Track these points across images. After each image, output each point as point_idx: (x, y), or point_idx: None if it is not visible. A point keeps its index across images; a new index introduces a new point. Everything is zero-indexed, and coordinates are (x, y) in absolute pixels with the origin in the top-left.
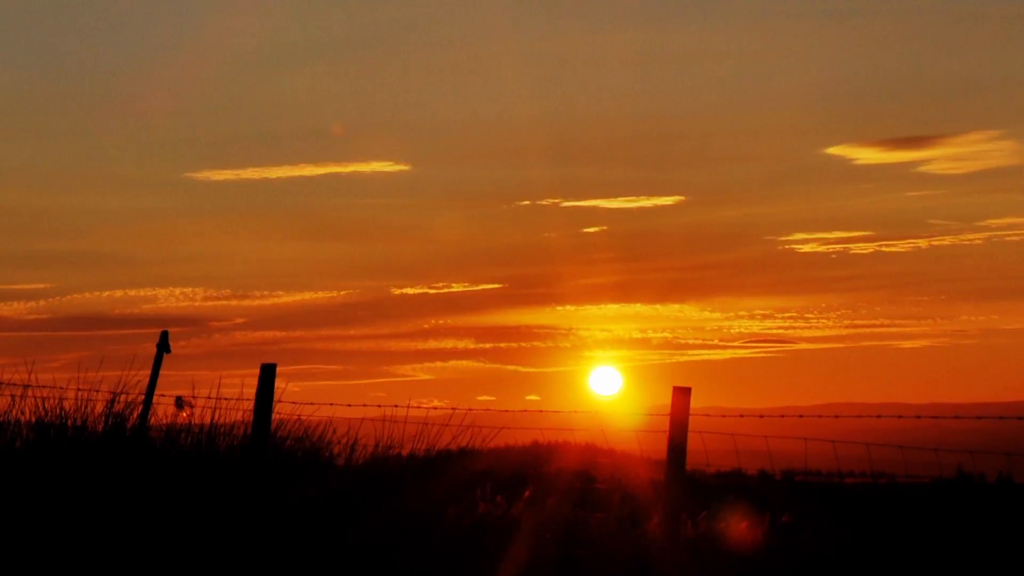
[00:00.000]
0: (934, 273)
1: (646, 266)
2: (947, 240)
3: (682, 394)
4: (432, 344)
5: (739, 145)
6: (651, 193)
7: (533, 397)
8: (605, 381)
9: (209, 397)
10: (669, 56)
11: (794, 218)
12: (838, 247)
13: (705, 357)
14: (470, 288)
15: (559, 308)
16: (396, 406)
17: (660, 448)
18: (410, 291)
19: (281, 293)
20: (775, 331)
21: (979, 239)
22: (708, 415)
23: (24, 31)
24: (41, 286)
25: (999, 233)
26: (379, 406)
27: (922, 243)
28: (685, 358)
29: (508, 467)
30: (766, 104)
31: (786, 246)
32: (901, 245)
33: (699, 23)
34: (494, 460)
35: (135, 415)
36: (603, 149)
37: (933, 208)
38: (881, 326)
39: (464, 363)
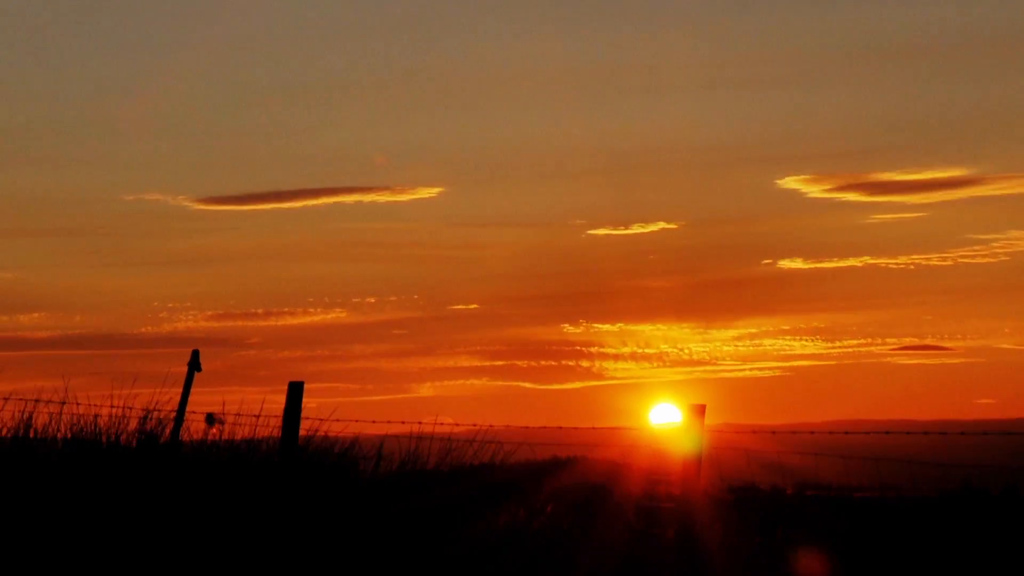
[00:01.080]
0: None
1: (659, 285)
2: (949, 260)
3: (697, 411)
4: (458, 362)
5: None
6: (654, 218)
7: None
8: (663, 413)
9: (238, 414)
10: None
11: (794, 241)
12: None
13: (718, 375)
14: (498, 308)
15: (575, 327)
16: (420, 423)
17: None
18: (442, 311)
19: (312, 312)
20: (786, 350)
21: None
22: (722, 431)
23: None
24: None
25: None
26: (403, 422)
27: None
28: (695, 376)
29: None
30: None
31: (779, 268)
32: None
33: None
34: (524, 473)
35: (167, 431)
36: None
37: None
38: (890, 345)
39: (491, 381)
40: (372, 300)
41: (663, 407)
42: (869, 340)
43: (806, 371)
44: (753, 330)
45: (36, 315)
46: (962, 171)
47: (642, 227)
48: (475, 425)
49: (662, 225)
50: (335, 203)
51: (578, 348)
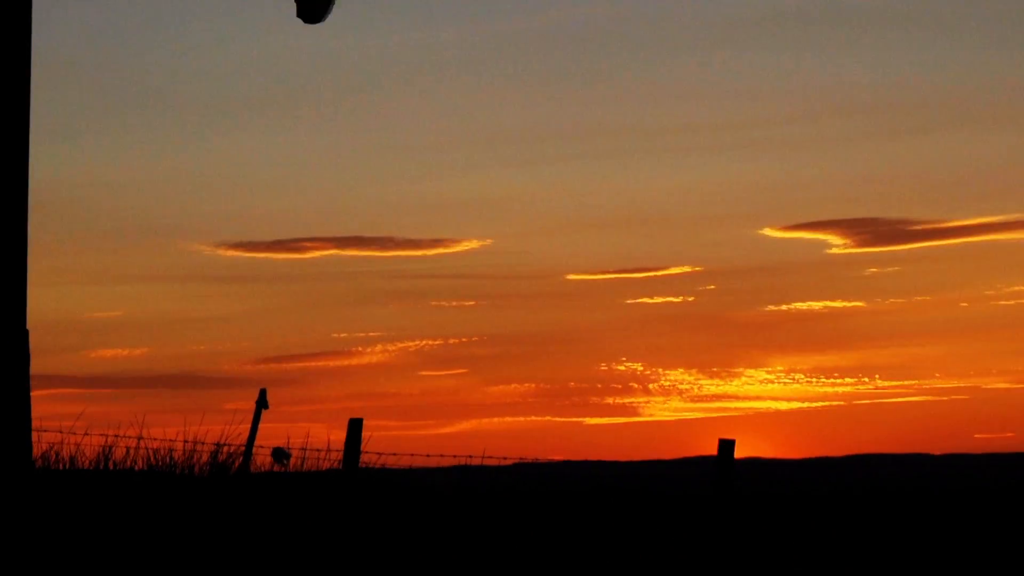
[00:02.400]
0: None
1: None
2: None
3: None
4: (503, 398)
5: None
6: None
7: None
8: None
9: (303, 448)
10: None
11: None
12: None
13: (745, 411)
14: (532, 348)
15: (609, 364)
16: (470, 456)
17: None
18: (487, 351)
19: (371, 351)
20: (807, 387)
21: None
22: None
23: None
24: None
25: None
26: (455, 456)
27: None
28: (721, 412)
29: None
30: None
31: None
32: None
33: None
34: None
35: (237, 464)
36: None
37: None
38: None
39: (533, 416)
40: (427, 341)
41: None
42: (872, 379)
43: (823, 409)
44: (780, 368)
45: (123, 352)
46: (965, 221)
47: (660, 272)
48: (521, 458)
49: (686, 269)
50: (393, 254)
51: (612, 385)
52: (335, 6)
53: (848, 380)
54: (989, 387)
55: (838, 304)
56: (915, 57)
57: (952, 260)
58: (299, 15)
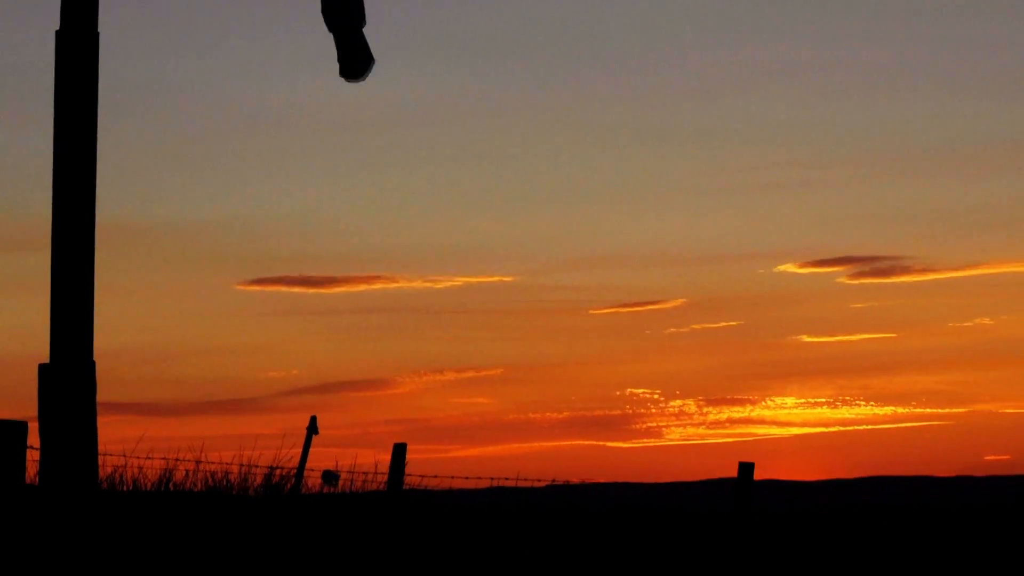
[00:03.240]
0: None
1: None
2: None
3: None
4: (537, 423)
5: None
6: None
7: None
8: None
9: (350, 471)
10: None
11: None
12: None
13: (764, 436)
14: (563, 372)
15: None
16: (506, 478)
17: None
18: (518, 375)
19: (414, 379)
20: (820, 414)
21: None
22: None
23: None
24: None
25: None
26: (491, 478)
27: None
28: (740, 437)
29: None
30: None
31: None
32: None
33: None
34: None
35: (288, 486)
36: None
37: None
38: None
39: (563, 441)
40: (467, 368)
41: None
42: (883, 404)
43: (835, 434)
44: (795, 395)
45: (184, 379)
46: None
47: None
48: (553, 480)
49: (703, 302)
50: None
51: (639, 411)
52: (376, 65)
53: (861, 405)
54: (1001, 411)
55: (853, 337)
56: (920, 108)
57: (959, 292)
58: (341, 74)
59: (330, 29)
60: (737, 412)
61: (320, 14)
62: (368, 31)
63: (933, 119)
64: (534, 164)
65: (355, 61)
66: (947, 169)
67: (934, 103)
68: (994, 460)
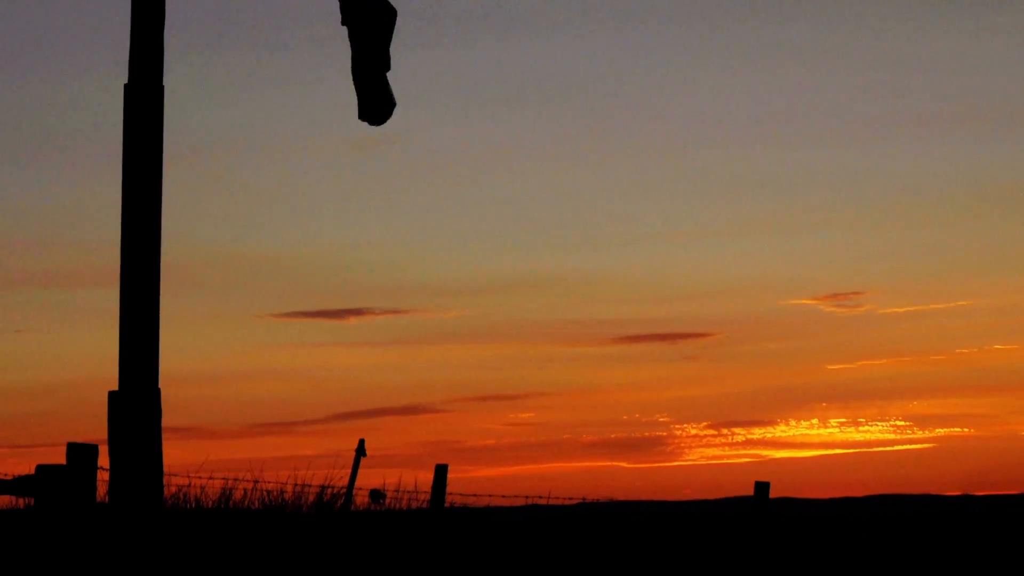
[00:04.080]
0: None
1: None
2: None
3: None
4: (566, 443)
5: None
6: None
7: None
8: None
9: (396, 490)
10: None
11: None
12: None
13: (778, 458)
14: (583, 399)
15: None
16: (540, 497)
17: None
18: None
19: (455, 404)
20: (830, 437)
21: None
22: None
23: None
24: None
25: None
26: (526, 497)
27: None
28: (755, 458)
29: None
30: None
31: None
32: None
33: None
34: None
35: (339, 504)
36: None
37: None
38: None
39: (588, 462)
40: (501, 395)
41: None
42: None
43: (845, 456)
44: (807, 418)
45: (245, 403)
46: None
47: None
48: (584, 498)
49: (718, 334)
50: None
51: (660, 434)
52: (396, 109)
53: (868, 428)
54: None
55: (861, 363)
56: (919, 158)
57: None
58: (361, 117)
59: (357, 74)
60: (755, 434)
61: (349, 60)
62: (400, 76)
63: (938, 163)
64: (566, 204)
65: (380, 105)
66: (957, 210)
67: (943, 147)
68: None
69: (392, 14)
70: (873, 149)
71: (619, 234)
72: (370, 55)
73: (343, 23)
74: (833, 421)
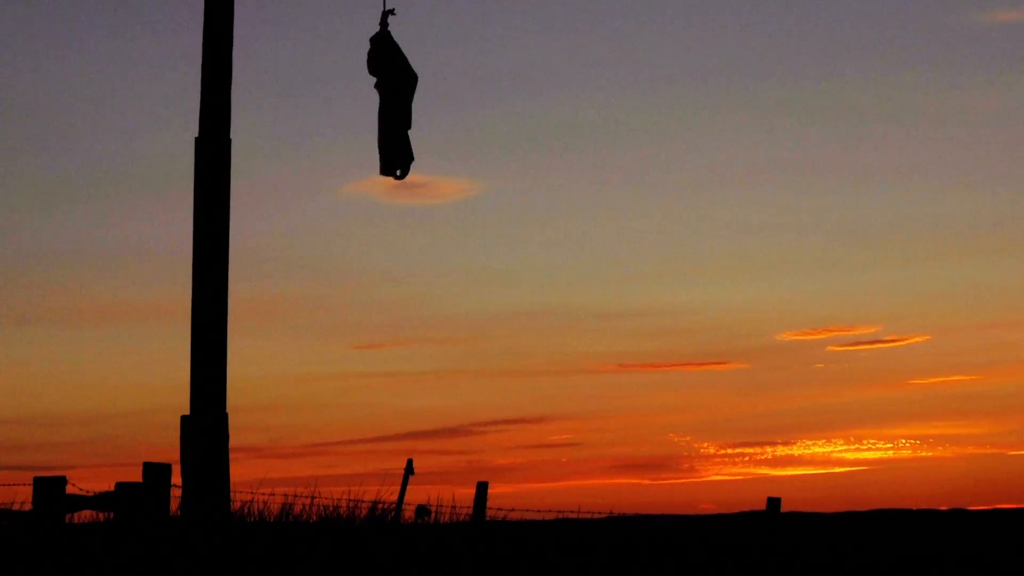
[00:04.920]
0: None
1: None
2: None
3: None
4: (596, 462)
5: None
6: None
7: None
8: None
9: (440, 506)
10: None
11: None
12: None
13: (790, 475)
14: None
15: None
16: (571, 511)
17: None
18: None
19: (492, 426)
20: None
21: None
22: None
23: None
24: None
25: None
26: (561, 512)
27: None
28: (767, 475)
29: None
30: None
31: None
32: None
33: None
34: None
35: (389, 518)
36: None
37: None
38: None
39: (614, 479)
40: (535, 419)
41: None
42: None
43: (849, 474)
44: (814, 439)
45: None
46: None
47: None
48: (611, 512)
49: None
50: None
51: (676, 454)
52: (413, 163)
53: (873, 445)
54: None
55: (859, 389)
56: (916, 201)
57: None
58: (382, 173)
59: (382, 131)
60: (766, 454)
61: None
62: (428, 134)
63: (929, 206)
64: (599, 245)
65: (401, 160)
66: (952, 249)
67: (940, 191)
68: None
69: (413, 79)
70: (874, 191)
71: (637, 271)
72: (394, 113)
73: (371, 73)
74: (837, 443)
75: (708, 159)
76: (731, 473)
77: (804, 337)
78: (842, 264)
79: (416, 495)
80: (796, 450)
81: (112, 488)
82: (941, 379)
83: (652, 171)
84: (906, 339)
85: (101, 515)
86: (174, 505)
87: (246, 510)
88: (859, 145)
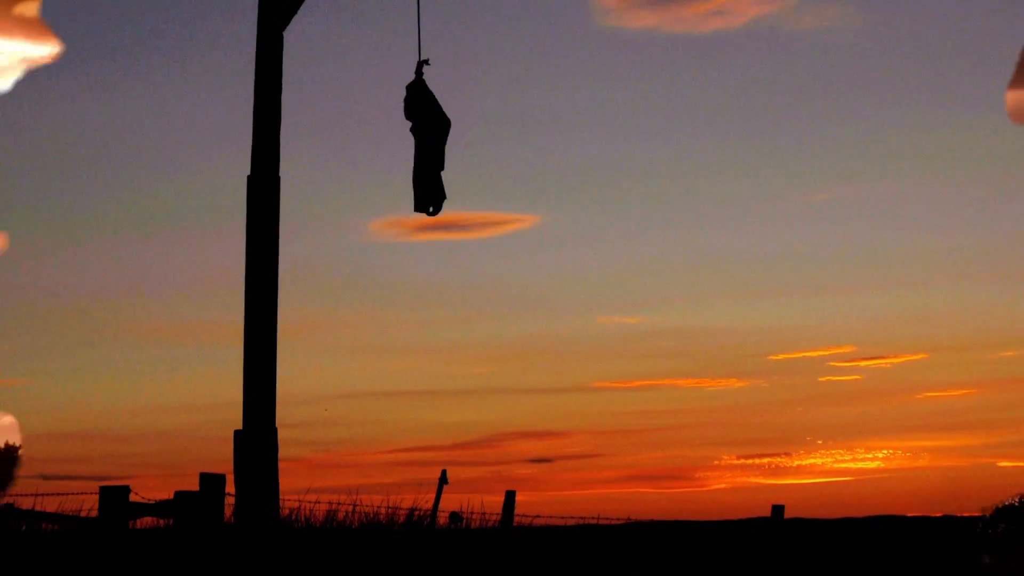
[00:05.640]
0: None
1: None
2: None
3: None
4: (610, 474)
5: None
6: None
7: None
8: None
9: (472, 512)
10: None
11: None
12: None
13: (793, 484)
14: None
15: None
16: (593, 517)
17: None
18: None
19: (517, 440)
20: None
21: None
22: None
23: None
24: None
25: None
26: (582, 518)
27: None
28: (773, 484)
29: None
30: None
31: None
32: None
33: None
34: None
35: (425, 524)
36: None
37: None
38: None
39: (633, 489)
40: (552, 435)
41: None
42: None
43: (849, 483)
44: (813, 452)
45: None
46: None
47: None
48: (628, 519)
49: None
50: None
51: (686, 465)
52: (445, 201)
53: (865, 459)
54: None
55: (855, 406)
56: (911, 231)
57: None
58: (416, 209)
59: (417, 171)
60: (771, 464)
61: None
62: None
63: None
64: (625, 270)
65: (434, 198)
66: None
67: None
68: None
69: (446, 124)
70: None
71: (665, 295)
72: (428, 155)
73: (407, 118)
74: (837, 454)
75: (732, 193)
76: (738, 483)
77: (805, 355)
78: (842, 288)
79: (449, 503)
80: (798, 461)
81: (171, 496)
82: (937, 394)
83: (668, 204)
84: (904, 357)
85: (161, 521)
86: (228, 512)
87: (294, 516)
88: (865, 181)
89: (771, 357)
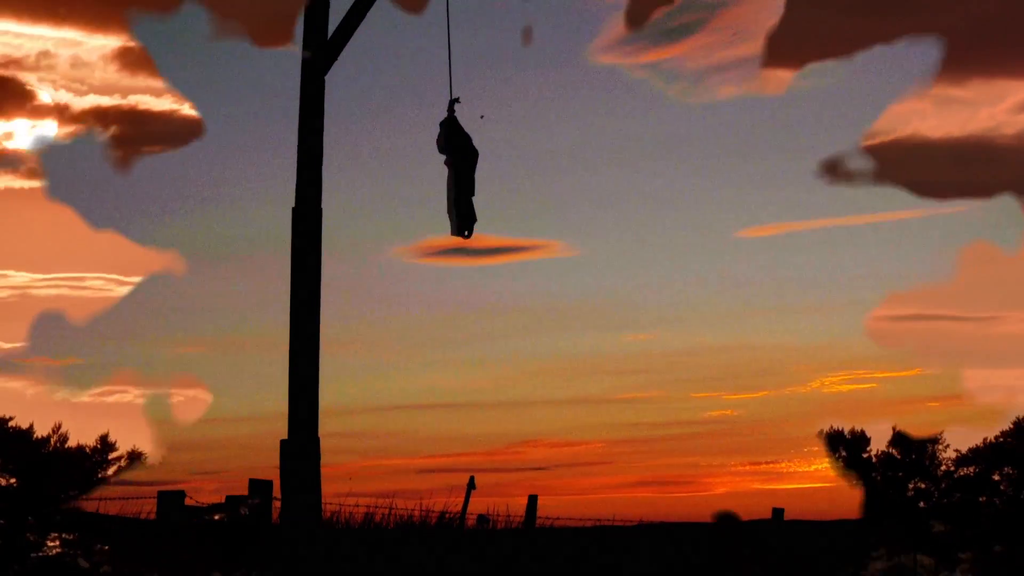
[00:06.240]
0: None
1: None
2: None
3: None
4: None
5: None
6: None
7: None
8: None
9: (498, 514)
10: None
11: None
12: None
13: (791, 489)
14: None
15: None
16: (608, 519)
17: None
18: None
19: (540, 449)
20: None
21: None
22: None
23: None
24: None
25: None
26: (598, 519)
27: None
28: (773, 488)
29: None
30: None
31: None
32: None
33: None
34: None
35: (455, 525)
36: None
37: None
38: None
39: (641, 494)
40: (574, 443)
41: None
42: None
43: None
44: (808, 461)
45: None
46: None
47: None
48: (640, 520)
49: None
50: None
51: (689, 472)
52: (476, 223)
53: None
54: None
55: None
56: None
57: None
58: (453, 233)
59: (453, 198)
60: (772, 470)
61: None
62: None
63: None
64: (644, 291)
65: (468, 223)
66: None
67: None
68: None
69: (475, 155)
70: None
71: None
72: (462, 183)
73: (440, 151)
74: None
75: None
76: (739, 486)
77: (804, 369)
78: (835, 312)
79: (477, 506)
80: (797, 467)
81: (223, 500)
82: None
83: (680, 231)
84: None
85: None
86: (275, 514)
87: (335, 518)
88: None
89: (768, 371)
